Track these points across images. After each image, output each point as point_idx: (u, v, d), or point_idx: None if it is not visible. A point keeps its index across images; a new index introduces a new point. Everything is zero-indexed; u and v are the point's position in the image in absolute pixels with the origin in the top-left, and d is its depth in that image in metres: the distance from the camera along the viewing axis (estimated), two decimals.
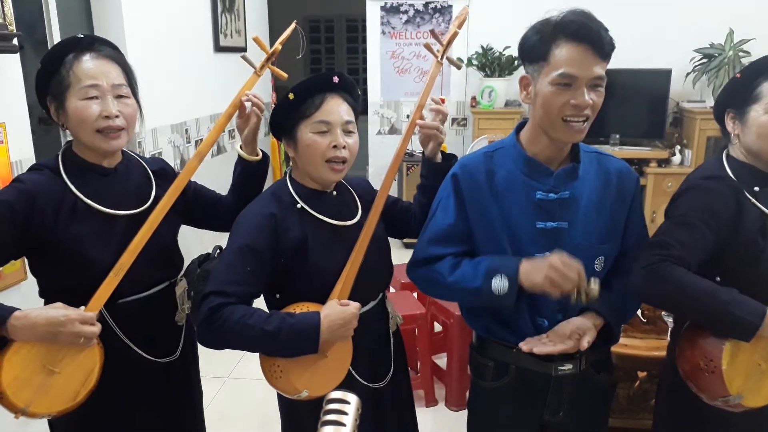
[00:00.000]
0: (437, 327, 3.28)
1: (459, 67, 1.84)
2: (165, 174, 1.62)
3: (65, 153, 1.48)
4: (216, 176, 1.75)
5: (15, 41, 2.36)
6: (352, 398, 0.65)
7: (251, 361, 1.47)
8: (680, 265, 1.35)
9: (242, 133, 1.67)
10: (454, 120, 5.36)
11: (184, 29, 4.06)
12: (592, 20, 1.34)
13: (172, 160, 3.84)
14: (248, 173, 1.70)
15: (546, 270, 1.33)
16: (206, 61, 4.38)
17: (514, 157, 1.47)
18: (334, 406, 0.64)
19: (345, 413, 0.65)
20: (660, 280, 1.34)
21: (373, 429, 1.58)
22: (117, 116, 1.42)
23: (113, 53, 1.47)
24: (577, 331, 1.41)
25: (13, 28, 2.34)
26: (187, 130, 4.10)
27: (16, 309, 1.31)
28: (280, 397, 1.59)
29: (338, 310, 1.41)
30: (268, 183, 1.76)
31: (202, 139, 4.30)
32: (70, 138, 1.50)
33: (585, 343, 1.38)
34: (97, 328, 1.36)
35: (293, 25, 1.80)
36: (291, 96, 1.48)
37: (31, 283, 1.52)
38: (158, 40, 3.71)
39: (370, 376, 1.59)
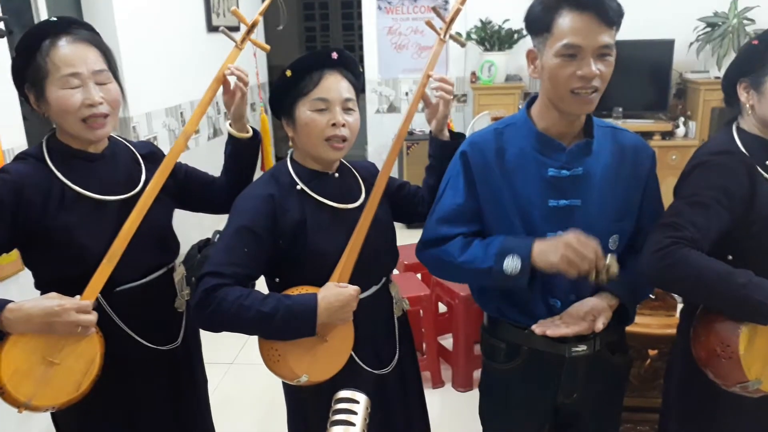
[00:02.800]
0: (442, 308, 3.26)
1: (463, 45, 1.79)
2: (154, 157, 1.58)
3: (49, 140, 1.43)
4: (217, 159, 1.70)
5: (1, 25, 2.28)
6: (362, 398, 0.63)
7: (255, 346, 1.45)
8: (693, 248, 1.30)
9: (230, 109, 1.62)
10: (453, 96, 5.27)
11: (175, 9, 3.96)
12: None
13: (167, 144, 3.77)
14: (239, 151, 1.65)
15: (562, 249, 1.29)
16: (199, 42, 4.29)
17: (525, 133, 1.42)
18: (343, 406, 0.61)
19: (354, 413, 0.63)
20: (672, 264, 1.29)
21: (379, 416, 1.55)
22: (100, 103, 1.38)
23: (90, 36, 1.41)
24: (591, 312, 1.37)
25: None
26: (182, 113, 4.02)
27: (9, 301, 1.27)
28: (284, 383, 1.56)
29: (335, 292, 1.37)
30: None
31: None
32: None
33: (599, 325, 1.35)
34: (93, 316, 1.32)
35: None
36: (288, 73, 1.44)
37: (28, 274, 1.48)
38: (149, 21, 3.62)
39: (374, 362, 1.55)
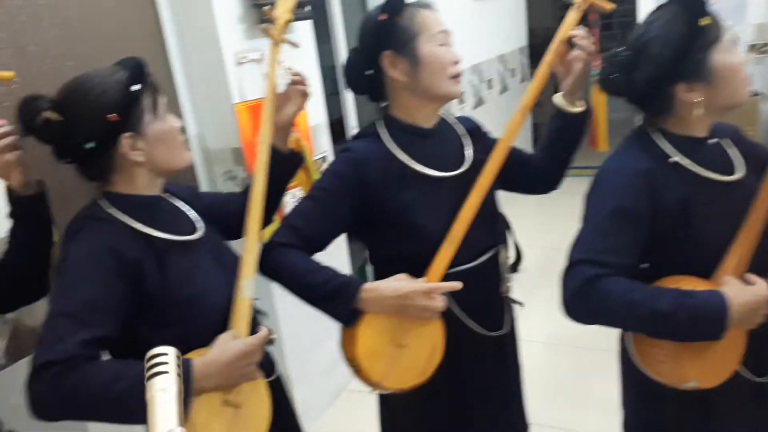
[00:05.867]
0: None
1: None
2: (478, 133, 1.52)
3: (386, 118, 1.43)
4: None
5: (308, 8, 2.41)
6: (169, 350, 0.65)
7: None
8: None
9: (565, 82, 1.42)
10: (753, 46, 4.45)
11: None
12: None
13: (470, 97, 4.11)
14: (569, 124, 1.44)
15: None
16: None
17: None
18: (155, 360, 0.64)
19: (165, 363, 0.64)
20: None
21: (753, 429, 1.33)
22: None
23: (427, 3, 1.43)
24: None
25: None
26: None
27: (364, 281, 1.30)
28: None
29: (750, 292, 1.14)
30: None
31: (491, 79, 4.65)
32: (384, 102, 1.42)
33: None
34: (442, 301, 1.29)
35: None
36: None
37: None
38: None
39: (754, 366, 1.27)
